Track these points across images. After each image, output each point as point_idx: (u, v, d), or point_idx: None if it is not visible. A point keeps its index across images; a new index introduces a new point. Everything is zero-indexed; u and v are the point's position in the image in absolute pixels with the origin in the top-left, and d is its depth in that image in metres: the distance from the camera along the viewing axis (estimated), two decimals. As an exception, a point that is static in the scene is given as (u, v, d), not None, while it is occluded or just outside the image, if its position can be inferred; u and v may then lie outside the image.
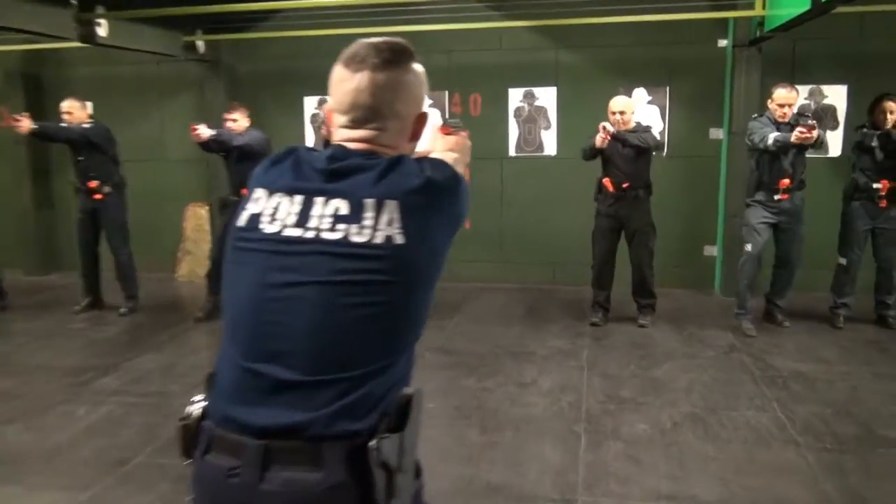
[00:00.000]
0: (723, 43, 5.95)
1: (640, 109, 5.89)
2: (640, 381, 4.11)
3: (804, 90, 5.77)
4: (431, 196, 1.25)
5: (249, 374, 1.21)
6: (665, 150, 6.10)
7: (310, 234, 1.22)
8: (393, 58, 1.30)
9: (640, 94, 6.09)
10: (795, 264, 4.91)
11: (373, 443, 1.15)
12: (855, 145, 4.91)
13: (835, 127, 5.85)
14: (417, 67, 1.35)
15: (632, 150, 4.85)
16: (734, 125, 5.83)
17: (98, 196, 5.52)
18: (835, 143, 5.80)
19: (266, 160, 1.37)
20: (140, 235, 6.19)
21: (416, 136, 1.38)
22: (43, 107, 6.85)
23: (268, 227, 1.25)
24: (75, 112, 5.45)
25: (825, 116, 5.85)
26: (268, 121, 6.45)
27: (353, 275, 1.19)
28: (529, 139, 6.35)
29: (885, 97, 4.70)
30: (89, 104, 6.22)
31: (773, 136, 4.47)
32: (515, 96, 6.32)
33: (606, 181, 5.01)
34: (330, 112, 1.36)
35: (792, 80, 5.14)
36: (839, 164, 5.65)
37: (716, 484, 2.95)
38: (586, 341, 4.86)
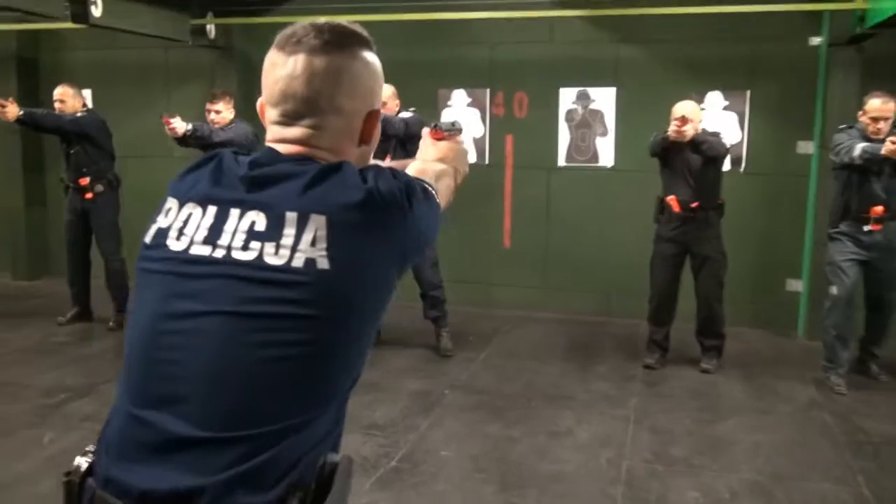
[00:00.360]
0: (815, 41, 5.76)
1: (711, 117, 5.79)
2: (696, 439, 3.95)
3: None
4: (371, 213, 1.14)
5: (137, 424, 1.12)
6: (743, 164, 5.94)
7: (219, 254, 1.14)
8: (335, 40, 1.21)
9: (715, 98, 5.94)
10: (893, 307, 4.67)
11: None
12: None
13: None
14: (369, 56, 1.27)
15: (699, 160, 4.69)
16: (827, 138, 5.60)
17: (89, 195, 5.60)
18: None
19: (185, 166, 1.30)
20: (136, 240, 6.23)
21: (366, 138, 1.28)
22: (38, 93, 7.04)
23: (174, 244, 1.17)
24: (68, 100, 5.54)
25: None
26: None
27: (266, 305, 1.10)
28: (582, 147, 6.24)
29: None
30: (87, 92, 6.34)
31: (860, 147, 4.27)
32: (567, 97, 6.22)
33: (671, 199, 4.86)
34: (263, 106, 1.27)
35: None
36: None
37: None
38: (637, 386, 4.73)
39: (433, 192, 1.29)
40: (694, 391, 4.63)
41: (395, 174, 1.21)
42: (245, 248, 1.12)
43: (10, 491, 3.29)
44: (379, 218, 1.14)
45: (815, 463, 3.67)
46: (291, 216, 1.12)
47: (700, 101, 5.83)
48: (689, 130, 4.47)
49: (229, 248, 1.13)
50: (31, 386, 4.54)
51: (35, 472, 3.45)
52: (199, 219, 1.17)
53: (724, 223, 4.95)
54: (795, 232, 5.93)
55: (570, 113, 6.23)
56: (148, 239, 1.21)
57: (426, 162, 1.49)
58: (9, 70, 7.10)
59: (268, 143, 1.25)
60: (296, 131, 1.22)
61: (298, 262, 1.09)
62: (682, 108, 4.68)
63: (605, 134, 6.18)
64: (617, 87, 6.13)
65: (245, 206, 1.15)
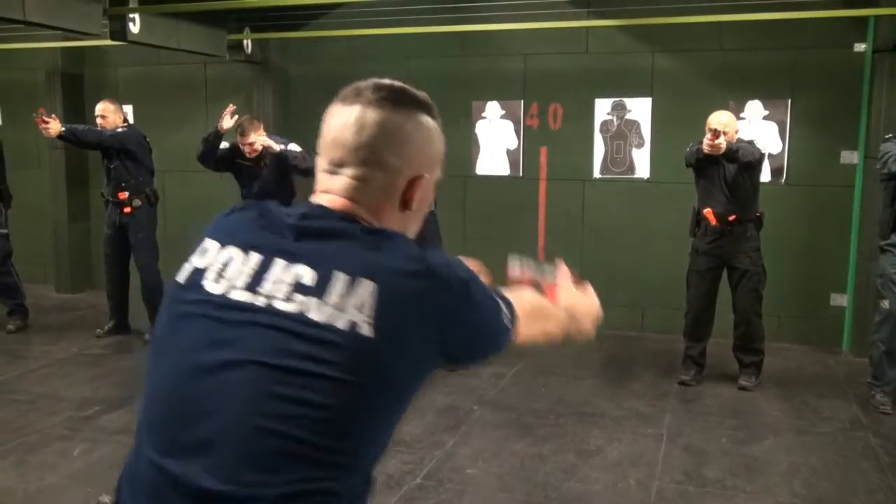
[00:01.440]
0: (860, 47, 5.64)
1: (751, 127, 5.75)
2: (731, 459, 3.86)
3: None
4: (426, 289, 1.12)
5: (159, 473, 1.09)
6: (785, 175, 5.83)
7: (260, 302, 1.11)
8: (393, 97, 1.21)
9: (755, 107, 5.84)
10: None
11: None
12: None
13: None
14: (425, 120, 1.25)
15: (734, 171, 4.59)
16: (872, 148, 5.46)
17: (127, 209, 5.69)
18: None
19: (225, 209, 1.28)
20: (175, 255, 6.33)
21: (407, 202, 1.24)
22: (83, 108, 7.22)
23: (212, 287, 1.15)
24: (109, 115, 5.66)
25: None
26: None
27: (302, 361, 1.06)
28: (618, 159, 6.19)
29: None
30: (129, 108, 6.46)
31: None
32: (603, 108, 6.18)
33: (708, 212, 4.77)
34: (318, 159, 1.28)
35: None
36: None
37: None
38: (671, 404, 4.66)
39: (505, 309, 1.27)
40: (731, 409, 4.54)
41: (457, 262, 1.20)
42: (288, 299, 1.10)
43: (37, 502, 3.33)
44: (432, 295, 1.12)
45: (857, 486, 3.54)
46: (342, 276, 1.10)
47: (739, 110, 5.75)
48: (723, 143, 4.34)
49: (270, 298, 1.11)
50: (66, 398, 4.62)
51: (62, 485, 3.51)
52: (241, 264, 1.15)
53: (763, 236, 4.88)
54: (840, 245, 5.81)
55: (605, 124, 6.17)
56: (182, 279, 1.20)
57: (544, 302, 1.54)
58: (55, 86, 7.27)
59: (314, 196, 1.24)
60: (340, 181, 1.21)
61: (341, 323, 1.07)
62: (717, 118, 4.58)
63: (641, 145, 6.12)
64: (653, 97, 6.08)
65: (293, 258, 1.14)
